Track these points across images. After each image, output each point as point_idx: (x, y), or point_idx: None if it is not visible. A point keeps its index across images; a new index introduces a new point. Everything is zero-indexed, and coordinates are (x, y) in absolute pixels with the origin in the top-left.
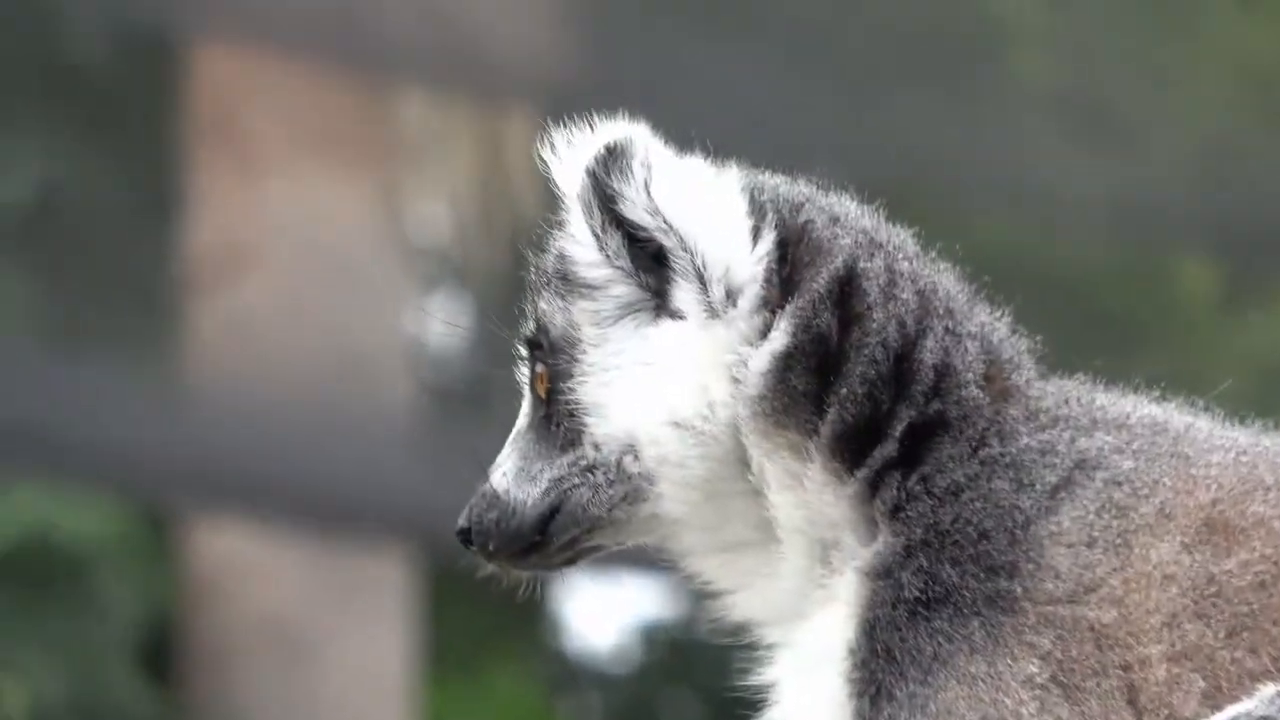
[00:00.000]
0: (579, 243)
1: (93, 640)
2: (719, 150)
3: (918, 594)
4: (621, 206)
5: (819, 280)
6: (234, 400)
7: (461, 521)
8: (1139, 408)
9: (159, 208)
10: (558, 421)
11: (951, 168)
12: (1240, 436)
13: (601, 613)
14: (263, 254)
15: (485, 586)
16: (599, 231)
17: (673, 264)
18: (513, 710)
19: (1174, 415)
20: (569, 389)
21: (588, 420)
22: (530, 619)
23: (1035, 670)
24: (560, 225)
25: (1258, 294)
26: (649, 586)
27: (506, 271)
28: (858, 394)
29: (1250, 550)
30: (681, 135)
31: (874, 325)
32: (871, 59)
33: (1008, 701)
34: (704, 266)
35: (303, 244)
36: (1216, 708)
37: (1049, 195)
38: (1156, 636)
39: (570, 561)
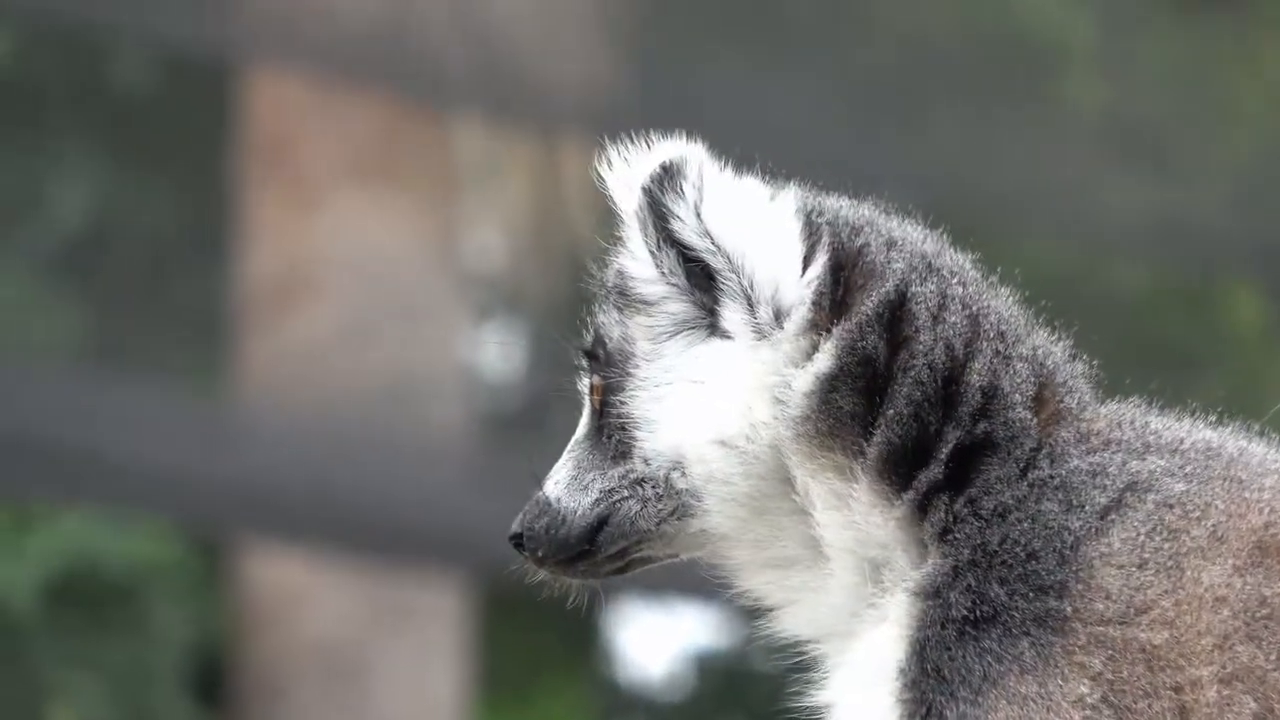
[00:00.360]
0: (636, 259)
1: (143, 667)
2: (770, 176)
3: (966, 613)
4: (673, 226)
5: (868, 303)
6: (288, 427)
7: (514, 527)
8: (1194, 432)
9: (213, 235)
10: (609, 433)
11: (1001, 193)
12: None
13: (654, 641)
14: (317, 282)
15: (538, 614)
16: (654, 249)
17: (721, 285)
18: None
19: (1228, 440)
20: (621, 402)
21: (638, 434)
22: (583, 647)
23: (1086, 691)
24: (620, 240)
25: None
26: (702, 615)
27: (561, 299)
28: (904, 415)
29: None
30: (737, 160)
31: (921, 348)
32: (921, 84)
33: None
34: (751, 288)
35: (357, 271)
36: None
37: (1099, 220)
38: (1208, 658)
39: (620, 571)
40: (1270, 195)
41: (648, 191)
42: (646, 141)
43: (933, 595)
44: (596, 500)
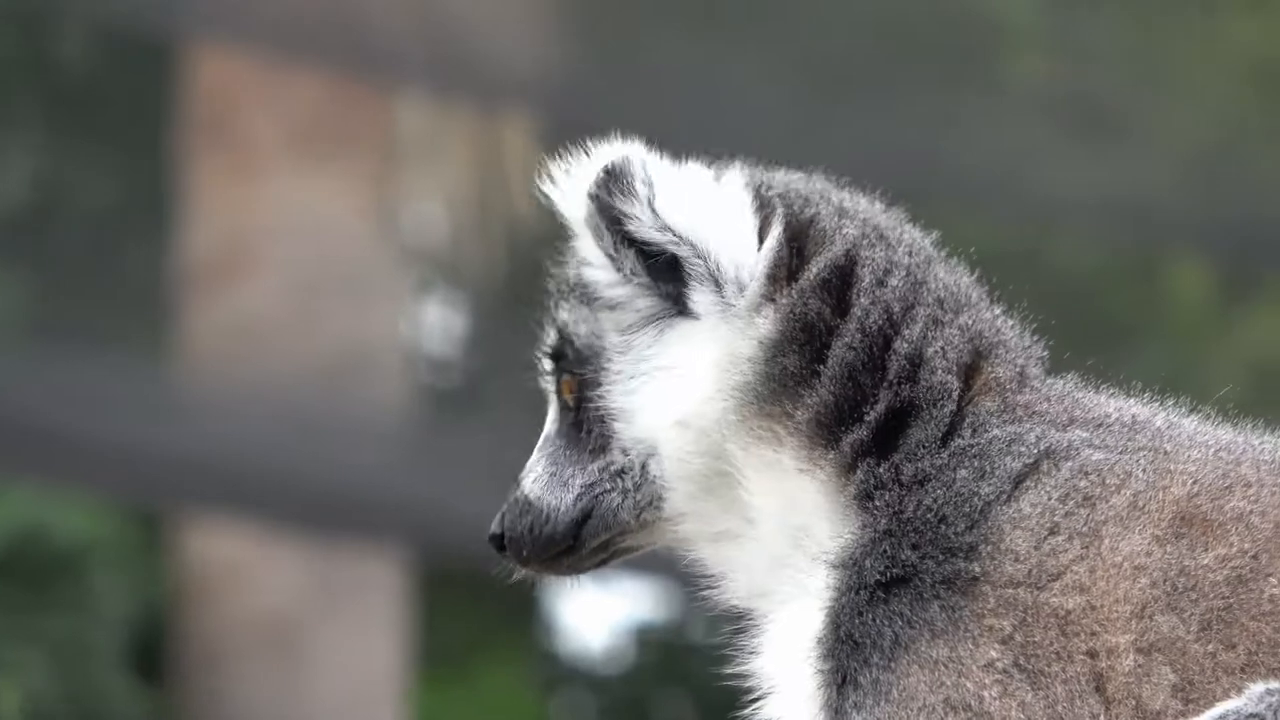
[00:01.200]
0: (594, 265)
1: (86, 639)
2: (713, 153)
3: (878, 577)
4: (629, 226)
5: (814, 269)
6: (229, 400)
7: (494, 528)
8: (1124, 408)
9: (156, 208)
10: (589, 428)
11: (946, 168)
12: (1224, 434)
13: (594, 614)
14: (259, 255)
15: (479, 587)
16: (612, 252)
17: (688, 271)
18: (505, 711)
19: (1159, 415)
20: (598, 396)
21: (616, 426)
22: (523, 620)
23: (996, 655)
24: (572, 248)
25: (1252, 293)
26: (641, 588)
27: (502, 273)
28: (836, 378)
29: (1227, 545)
30: (679, 137)
31: (858, 313)
32: (865, 59)
33: (969, 685)
34: (717, 270)
35: (299, 245)
36: (1188, 701)
37: (1044, 195)
38: (1125, 626)
39: (602, 563)
40: (1220, 169)
41: (596, 198)
42: (583, 148)
43: (849, 565)
44: (579, 495)
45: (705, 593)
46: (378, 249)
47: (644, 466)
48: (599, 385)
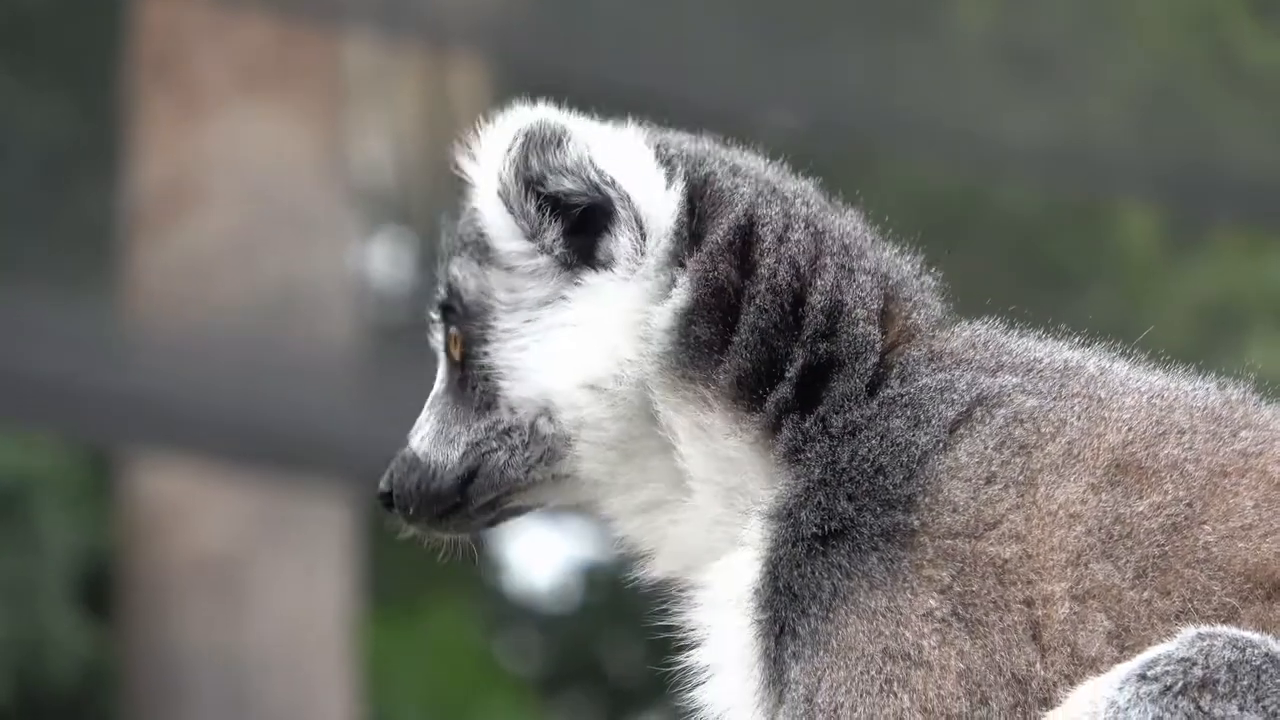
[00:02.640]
0: (497, 226)
1: (31, 576)
2: (664, 93)
3: (816, 530)
4: (550, 181)
5: (719, 231)
6: (176, 338)
7: (383, 485)
8: (1054, 352)
9: (104, 147)
10: (473, 385)
11: (893, 115)
12: (1158, 380)
13: (542, 552)
14: (207, 193)
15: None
16: (522, 213)
17: (615, 215)
18: (452, 649)
19: (1090, 359)
20: (484, 353)
21: (503, 384)
22: (470, 558)
23: (935, 604)
24: (472, 203)
25: (1197, 239)
26: (589, 527)
27: (449, 212)
28: (753, 339)
29: (1162, 493)
30: (629, 79)
31: (766, 271)
32: (812, 4)
33: (908, 635)
34: (638, 215)
35: (247, 183)
36: (1123, 648)
37: (990, 141)
38: (1060, 574)
39: (491, 524)
40: (1165, 116)
41: (515, 160)
42: (499, 115)
43: (784, 516)
44: (464, 453)
45: (636, 569)
46: (326, 187)
47: (533, 425)
48: (485, 342)
